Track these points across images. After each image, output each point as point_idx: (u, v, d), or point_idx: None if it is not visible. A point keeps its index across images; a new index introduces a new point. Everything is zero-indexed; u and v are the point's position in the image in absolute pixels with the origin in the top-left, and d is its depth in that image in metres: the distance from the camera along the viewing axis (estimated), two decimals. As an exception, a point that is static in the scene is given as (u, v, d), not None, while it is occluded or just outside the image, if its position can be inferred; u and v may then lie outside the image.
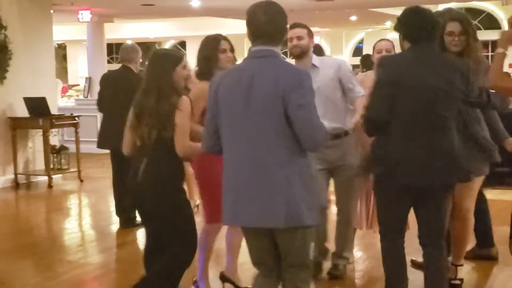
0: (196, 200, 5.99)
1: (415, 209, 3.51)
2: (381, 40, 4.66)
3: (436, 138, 3.31)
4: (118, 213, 6.21)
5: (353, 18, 16.37)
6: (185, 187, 3.82)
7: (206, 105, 3.33)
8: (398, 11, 14.38)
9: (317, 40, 20.34)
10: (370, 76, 4.39)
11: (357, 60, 12.59)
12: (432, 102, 3.27)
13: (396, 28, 3.46)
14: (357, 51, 22.29)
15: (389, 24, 18.30)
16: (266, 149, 2.75)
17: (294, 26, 4.12)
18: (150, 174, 3.43)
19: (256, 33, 2.82)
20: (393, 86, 3.28)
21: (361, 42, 22.23)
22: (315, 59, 4.18)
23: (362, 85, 4.23)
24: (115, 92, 6.08)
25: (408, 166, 3.30)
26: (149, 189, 3.45)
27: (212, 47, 3.88)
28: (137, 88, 6.18)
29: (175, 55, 3.52)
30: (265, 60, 2.81)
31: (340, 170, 4.25)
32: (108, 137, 6.00)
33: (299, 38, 4.09)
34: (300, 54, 4.10)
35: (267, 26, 2.78)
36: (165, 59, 3.46)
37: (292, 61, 3.98)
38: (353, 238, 4.54)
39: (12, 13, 8.44)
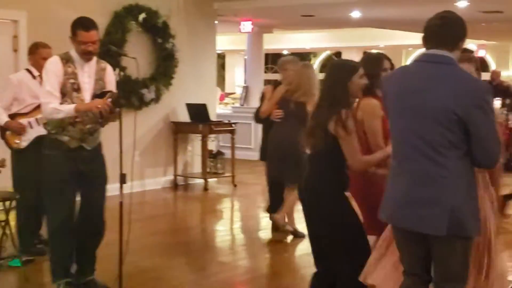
0: (290, 227, 6.04)
1: None
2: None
3: None
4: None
5: (522, 30, 15.34)
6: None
7: (379, 121, 3.47)
8: None
9: (482, 53, 19.39)
10: None
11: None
12: None
13: None
14: (524, 66, 20.81)
15: (562, 37, 16.91)
16: (435, 153, 2.72)
17: None
18: (309, 183, 3.48)
19: (427, 34, 2.83)
20: None
21: (529, 56, 20.76)
22: None
23: None
24: None
25: None
26: (309, 198, 3.52)
27: (376, 65, 3.87)
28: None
29: (351, 64, 3.50)
30: (441, 67, 2.76)
31: None
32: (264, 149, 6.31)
33: None
34: None
35: (439, 28, 2.79)
36: (340, 69, 3.46)
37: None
38: None
39: (180, 23, 8.95)
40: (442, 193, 2.71)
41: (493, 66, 21.01)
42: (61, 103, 4.10)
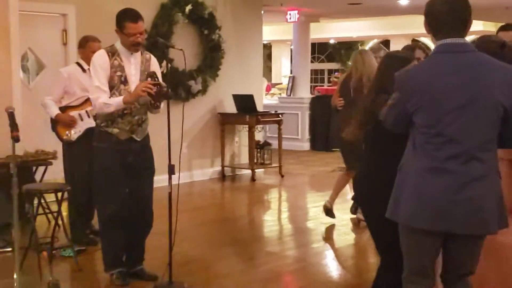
0: (328, 204, 6.08)
1: None
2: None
3: None
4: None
5: None
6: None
7: None
8: None
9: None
10: None
11: None
12: None
13: None
14: None
15: None
16: (479, 150, 2.59)
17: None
18: (365, 176, 3.45)
19: (435, 22, 2.65)
20: None
21: None
22: None
23: None
24: None
25: None
26: (364, 191, 3.47)
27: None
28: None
29: (403, 56, 3.45)
30: (470, 55, 2.61)
31: None
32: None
33: None
34: None
35: (445, 15, 2.61)
36: (392, 60, 3.40)
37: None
38: None
39: (226, 14, 8.97)
40: (488, 191, 2.60)
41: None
42: (109, 97, 4.16)
